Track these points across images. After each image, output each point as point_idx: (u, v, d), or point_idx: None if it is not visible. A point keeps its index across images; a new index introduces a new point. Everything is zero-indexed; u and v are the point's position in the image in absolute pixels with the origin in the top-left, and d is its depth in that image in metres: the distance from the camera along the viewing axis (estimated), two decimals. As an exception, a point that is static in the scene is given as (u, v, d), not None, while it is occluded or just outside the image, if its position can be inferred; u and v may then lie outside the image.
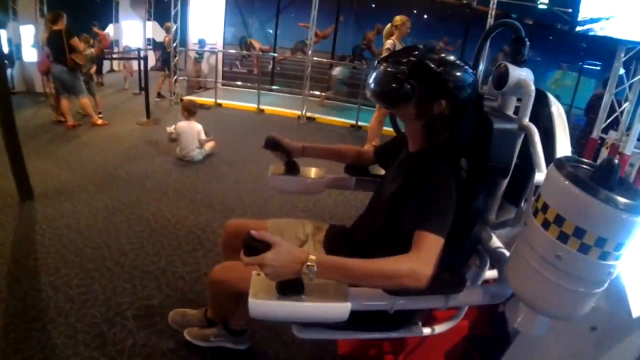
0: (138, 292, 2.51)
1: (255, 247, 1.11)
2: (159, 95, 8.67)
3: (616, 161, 1.04)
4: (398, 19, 5.15)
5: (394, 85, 1.35)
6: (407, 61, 1.35)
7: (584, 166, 1.12)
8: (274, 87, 10.15)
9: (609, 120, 4.34)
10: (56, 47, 5.74)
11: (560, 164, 1.07)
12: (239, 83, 10.17)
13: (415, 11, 11.85)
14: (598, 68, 11.13)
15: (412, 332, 1.59)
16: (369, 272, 1.17)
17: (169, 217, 3.49)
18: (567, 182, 1.01)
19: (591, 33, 4.07)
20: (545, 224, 1.06)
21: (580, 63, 12.21)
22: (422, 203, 1.29)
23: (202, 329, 2.12)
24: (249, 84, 9.88)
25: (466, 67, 1.37)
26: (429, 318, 1.81)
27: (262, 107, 8.21)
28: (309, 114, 7.92)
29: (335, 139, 6.78)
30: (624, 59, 4.17)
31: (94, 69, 6.27)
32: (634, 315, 1.75)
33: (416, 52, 1.36)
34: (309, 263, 1.10)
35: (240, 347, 2.12)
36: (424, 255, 1.20)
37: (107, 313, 2.31)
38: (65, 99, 5.99)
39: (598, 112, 4.59)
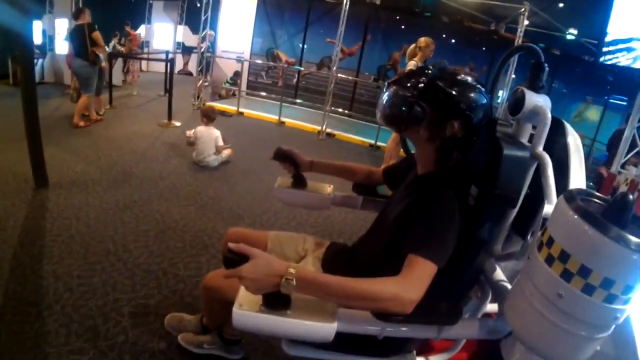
0: (137, 290, 2.51)
1: (234, 260, 1.10)
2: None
3: (631, 197, 0.98)
4: (422, 40, 5.13)
5: (403, 108, 1.32)
6: (417, 83, 1.32)
7: (596, 200, 1.06)
8: (297, 100, 10.19)
9: (629, 156, 4.23)
10: (78, 40, 5.77)
11: (570, 197, 1.01)
12: (262, 93, 10.21)
13: (443, 35, 11.87)
14: (624, 103, 10.97)
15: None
16: (351, 292, 1.12)
17: (177, 220, 3.49)
18: (575, 217, 0.95)
19: (613, 62, 3.99)
20: (549, 260, 1.00)
21: (606, 97, 12.04)
22: (420, 227, 1.25)
23: (196, 335, 2.10)
24: (272, 95, 9.91)
25: (479, 87, 1.33)
26: (425, 347, 1.74)
27: (283, 119, 8.22)
28: (329, 130, 7.89)
29: (353, 157, 6.74)
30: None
31: (104, 64, 6.28)
32: (643, 365, 1.67)
33: (427, 73, 1.33)
34: (287, 277, 1.07)
35: (233, 357, 2.10)
36: (412, 280, 1.14)
37: (104, 307, 2.32)
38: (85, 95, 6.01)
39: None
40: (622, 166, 4.32)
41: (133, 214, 3.45)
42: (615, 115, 11.30)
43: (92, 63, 5.80)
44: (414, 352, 1.55)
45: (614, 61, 3.97)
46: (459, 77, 1.34)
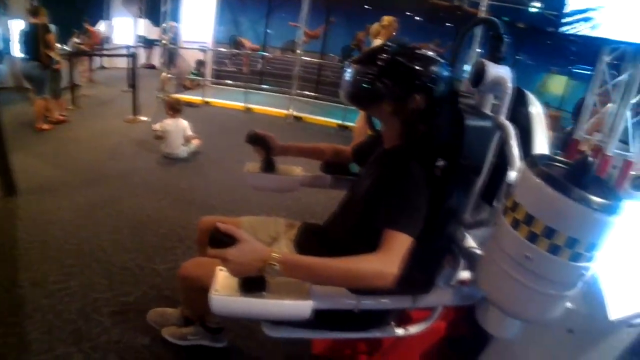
0: (115, 289, 2.48)
1: (221, 240, 1.10)
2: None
3: (591, 159, 1.02)
4: (386, 19, 5.15)
5: (365, 85, 1.33)
6: (378, 60, 1.33)
7: (559, 164, 1.10)
8: (263, 86, 10.09)
9: (591, 121, 4.35)
10: (30, 41, 5.49)
11: (532, 162, 1.04)
12: (228, 82, 10.09)
13: (407, 13, 11.85)
14: (588, 72, 11.21)
15: (385, 332, 1.55)
16: (334, 272, 1.14)
17: (150, 214, 3.46)
18: (538, 180, 0.99)
19: (573, 31, 4.08)
20: (515, 223, 1.03)
21: (570, 67, 12.29)
22: (392, 201, 1.27)
23: (179, 327, 2.09)
24: (238, 83, 9.80)
25: (439, 60, 1.35)
26: (404, 318, 1.78)
27: (249, 106, 8.18)
28: (296, 114, 7.90)
29: (321, 138, 6.73)
30: (608, 60, 4.19)
31: (60, 65, 6.05)
32: (611, 318, 1.73)
33: (387, 50, 1.35)
34: (271, 262, 1.08)
35: (218, 344, 2.10)
36: (392, 254, 1.17)
37: (84, 309, 2.29)
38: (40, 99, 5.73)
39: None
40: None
41: (106, 213, 3.39)
42: (580, 85, 11.54)
43: (44, 65, 5.58)
44: (393, 323, 1.58)
45: (573, 31, 4.04)
46: (418, 52, 1.36)
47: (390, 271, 1.14)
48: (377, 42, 5.06)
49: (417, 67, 1.31)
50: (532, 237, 0.99)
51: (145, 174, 4.37)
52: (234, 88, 9.66)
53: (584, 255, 0.99)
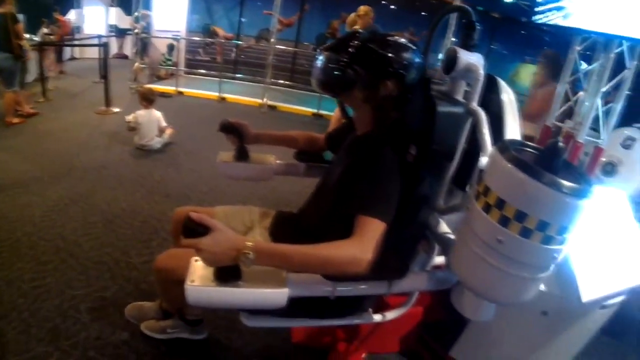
0: (92, 284, 2.45)
1: (194, 229, 1.09)
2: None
3: (561, 144, 1.03)
4: (362, 9, 5.16)
5: (336, 72, 1.34)
6: (348, 47, 1.34)
7: (529, 149, 1.11)
8: (237, 75, 9.98)
9: (562, 109, 4.43)
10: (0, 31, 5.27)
11: (503, 147, 1.05)
12: (201, 71, 9.95)
13: (382, 1, 11.88)
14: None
15: (363, 318, 1.57)
16: (309, 259, 1.15)
17: (125, 207, 3.42)
18: (509, 165, 1.00)
19: (544, 20, 4.13)
20: (486, 208, 1.05)
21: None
22: (365, 188, 1.27)
23: (158, 321, 2.09)
24: (212, 72, 9.64)
25: (410, 47, 1.36)
26: (381, 305, 1.80)
27: (224, 95, 8.07)
28: (270, 103, 7.86)
29: (297, 127, 6.60)
30: (579, 49, 4.27)
31: (28, 57, 5.85)
32: (584, 300, 1.78)
33: (358, 37, 1.35)
34: (245, 250, 1.08)
35: (198, 336, 2.11)
36: (366, 240, 1.18)
37: (61, 306, 2.26)
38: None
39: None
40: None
41: (79, 208, 3.33)
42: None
43: (17, 56, 5.42)
44: (370, 310, 1.60)
45: (545, 20, 4.11)
46: (389, 39, 1.36)
47: (364, 257, 1.15)
48: None
49: (388, 54, 1.32)
50: (504, 221, 1.01)
51: (118, 167, 4.30)
52: (208, 78, 9.51)
53: (555, 238, 1.00)
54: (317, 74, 1.38)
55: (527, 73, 11.74)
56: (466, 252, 1.13)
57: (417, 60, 1.36)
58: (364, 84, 1.35)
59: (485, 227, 1.05)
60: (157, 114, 4.94)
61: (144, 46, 8.96)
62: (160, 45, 9.52)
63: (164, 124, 5.00)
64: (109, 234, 2.99)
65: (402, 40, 1.38)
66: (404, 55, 1.34)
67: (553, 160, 1.01)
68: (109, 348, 2.04)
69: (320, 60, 1.37)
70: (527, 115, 4.00)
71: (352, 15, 5.29)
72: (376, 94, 1.36)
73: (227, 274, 1.12)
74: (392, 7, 12.83)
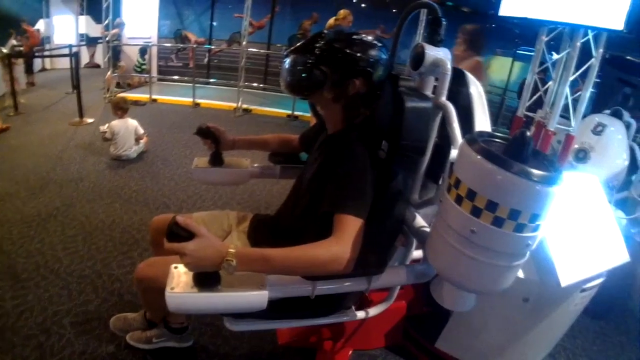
0: (74, 299, 2.42)
1: (178, 233, 1.09)
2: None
3: (529, 133, 1.05)
4: (341, 13, 5.27)
5: (304, 74, 1.35)
6: (314, 48, 1.35)
7: (498, 140, 1.13)
8: (210, 80, 9.89)
9: (533, 99, 4.52)
10: None
11: (471, 139, 1.07)
12: (174, 77, 9.84)
13: (354, 0, 11.92)
14: (532, 54, 11.50)
15: (346, 316, 1.59)
16: (290, 261, 1.15)
17: (104, 219, 3.37)
18: (478, 157, 1.01)
19: (511, 14, 4.20)
20: (458, 199, 1.06)
21: (514, 49, 12.62)
22: (339, 186, 1.28)
23: (143, 331, 2.07)
24: (185, 78, 9.53)
25: (376, 44, 1.38)
26: (364, 302, 1.82)
27: (197, 101, 7.99)
28: (245, 106, 7.82)
29: (272, 130, 6.71)
30: (546, 40, 4.37)
31: None
32: (563, 284, 1.82)
33: (323, 37, 1.37)
34: (228, 257, 1.08)
35: (184, 344, 2.10)
36: (345, 239, 1.19)
37: (44, 323, 2.23)
38: None
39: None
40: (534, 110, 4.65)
41: (57, 222, 3.28)
42: (525, 65, 11.86)
43: None
44: (353, 307, 1.61)
45: (511, 14, 4.17)
46: (354, 37, 1.38)
47: (344, 255, 1.16)
48: None
49: (355, 53, 1.34)
50: (476, 212, 1.02)
51: (95, 178, 4.24)
52: (181, 83, 9.42)
53: (527, 226, 1.02)
54: (285, 77, 1.40)
55: (499, 65, 11.92)
56: (441, 244, 1.15)
57: (383, 57, 1.38)
58: (332, 84, 1.36)
59: (458, 218, 1.07)
60: (132, 123, 4.86)
61: (116, 54, 8.84)
62: (131, 53, 9.41)
63: (141, 131, 4.94)
64: (89, 247, 2.95)
65: (368, 38, 1.40)
66: (370, 53, 1.35)
67: (521, 149, 1.02)
68: (96, 362, 2.02)
69: (287, 63, 1.38)
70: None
71: (332, 20, 5.36)
72: (345, 92, 1.37)
73: (206, 279, 1.12)
74: (363, 5, 12.89)
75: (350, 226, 1.21)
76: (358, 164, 1.30)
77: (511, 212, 0.99)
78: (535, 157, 1.07)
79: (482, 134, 1.13)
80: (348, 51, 1.34)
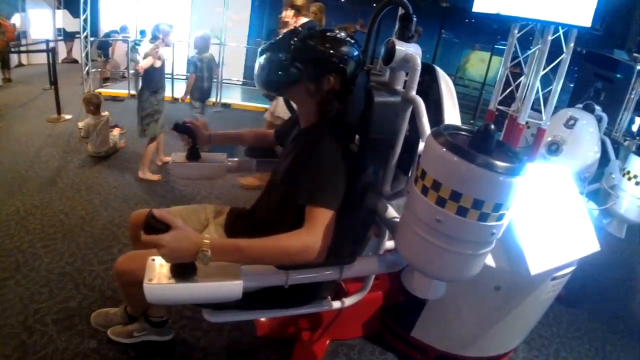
0: (55, 296, 2.42)
1: (155, 226, 1.11)
2: None
3: (492, 126, 1.09)
4: (313, 7, 5.17)
5: (279, 72, 1.38)
6: (289, 45, 1.38)
7: (463, 133, 1.17)
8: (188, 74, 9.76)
9: (505, 94, 4.61)
10: None
11: (437, 133, 1.11)
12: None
13: (332, -7, 11.87)
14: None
15: (322, 306, 1.63)
16: (263, 251, 1.19)
17: (83, 216, 3.36)
18: (442, 149, 1.05)
19: (485, 10, 4.27)
20: (424, 190, 1.10)
21: (493, 43, 12.77)
22: (311, 178, 1.32)
23: (124, 325, 2.09)
24: (165, 72, 9.42)
25: (349, 40, 1.41)
26: (340, 292, 1.85)
27: (176, 96, 7.87)
28: (224, 101, 7.83)
29: (251, 124, 6.61)
30: (518, 35, 4.45)
31: None
32: (532, 273, 1.87)
33: (297, 34, 1.39)
34: (203, 248, 1.11)
35: (165, 337, 2.13)
36: (316, 229, 1.23)
37: (26, 321, 2.23)
38: None
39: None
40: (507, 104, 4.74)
41: (37, 219, 3.26)
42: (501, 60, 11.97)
43: None
44: (329, 297, 1.65)
45: (484, 10, 4.24)
46: (328, 34, 1.41)
47: (315, 245, 1.20)
48: None
49: (328, 49, 1.37)
50: (441, 202, 1.06)
51: (73, 175, 4.21)
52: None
53: (491, 215, 1.06)
54: (259, 74, 1.43)
55: (478, 60, 12.07)
56: (410, 233, 1.18)
57: (356, 53, 1.41)
58: (307, 81, 1.39)
59: (424, 208, 1.10)
60: (105, 118, 4.81)
61: (105, 50, 8.73)
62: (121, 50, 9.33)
63: (113, 123, 4.92)
64: (69, 244, 2.95)
65: (341, 34, 1.43)
66: (343, 50, 1.39)
67: (485, 141, 1.06)
68: (78, 358, 2.04)
69: (262, 61, 1.41)
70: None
71: (289, 11, 5.29)
72: (320, 89, 1.40)
73: (183, 270, 1.15)
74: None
75: (321, 217, 1.25)
76: (330, 157, 1.34)
77: (475, 201, 1.03)
78: (500, 149, 1.11)
79: (448, 127, 1.16)
80: (322, 48, 1.37)
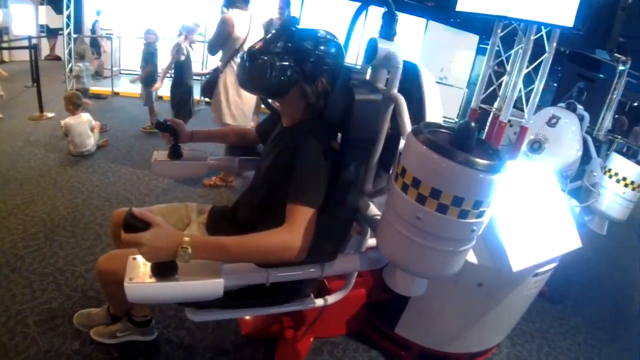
0: (38, 297, 2.39)
1: (135, 225, 1.10)
2: None
3: (473, 124, 1.10)
4: None
5: (280, 77, 1.35)
6: (284, 48, 1.36)
7: (443, 131, 1.18)
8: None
9: (487, 93, 4.66)
10: None
11: (417, 130, 1.11)
12: (136, 69, 9.61)
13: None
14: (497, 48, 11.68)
15: (305, 304, 1.63)
16: (244, 249, 1.19)
17: (65, 215, 3.32)
18: (422, 147, 1.06)
19: (468, 10, 4.30)
20: (404, 187, 1.10)
21: (478, 43, 12.83)
22: (293, 176, 1.32)
23: (108, 326, 2.07)
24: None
25: (336, 40, 1.41)
26: (323, 290, 1.86)
27: (160, 93, 7.84)
28: (207, 99, 7.70)
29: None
30: (501, 34, 4.50)
31: None
32: (514, 269, 1.89)
33: (289, 35, 1.37)
34: (183, 245, 1.10)
35: (148, 337, 2.12)
36: (296, 227, 1.23)
37: (8, 323, 2.19)
38: None
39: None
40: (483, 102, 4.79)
41: (18, 220, 3.20)
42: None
43: None
44: (312, 295, 1.65)
45: (467, 9, 4.27)
46: (319, 34, 1.41)
47: (295, 244, 1.21)
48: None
49: (323, 51, 1.38)
50: (421, 199, 1.07)
51: (56, 174, 4.15)
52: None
53: (471, 212, 1.07)
54: (256, 80, 1.39)
55: (463, 59, 12.10)
56: (390, 230, 1.19)
57: (340, 50, 1.42)
58: (305, 82, 1.38)
59: (405, 205, 1.11)
60: (86, 117, 4.76)
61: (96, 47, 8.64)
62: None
63: (93, 122, 4.84)
64: (51, 244, 2.91)
65: (329, 34, 1.42)
66: (333, 51, 1.39)
67: (465, 139, 1.07)
68: (60, 359, 2.01)
69: (256, 65, 1.36)
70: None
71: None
72: (316, 90, 1.40)
73: (164, 269, 1.14)
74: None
75: (302, 215, 1.25)
76: (312, 156, 1.34)
77: (454, 198, 1.04)
78: (481, 147, 1.12)
79: (428, 124, 1.17)
80: (317, 50, 1.37)
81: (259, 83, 1.39)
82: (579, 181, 3.61)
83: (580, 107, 3.83)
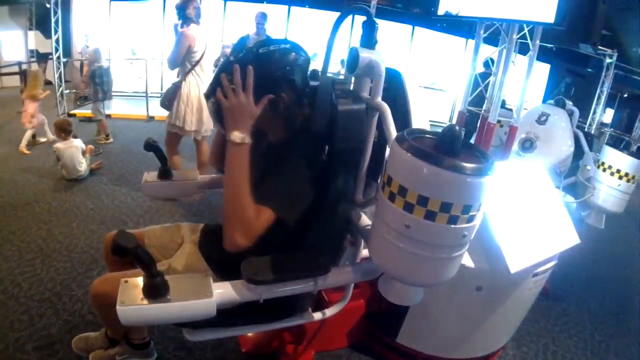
0: (36, 323, 2.38)
1: (123, 247, 1.11)
2: None
3: (457, 128, 1.08)
4: None
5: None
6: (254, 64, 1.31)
7: (428, 136, 1.16)
8: (163, 91, 9.67)
9: (473, 95, 4.67)
10: None
11: (401, 138, 1.10)
12: (128, 91, 9.64)
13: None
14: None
15: (303, 318, 1.62)
16: (231, 188, 1.28)
17: (61, 240, 3.31)
18: (406, 154, 1.04)
19: (448, 10, 4.33)
20: (391, 196, 1.09)
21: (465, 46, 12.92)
22: (272, 184, 1.35)
23: (106, 349, 2.05)
24: (139, 91, 9.27)
25: (289, 49, 1.38)
26: (321, 303, 1.84)
27: (152, 114, 7.86)
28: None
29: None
30: (485, 35, 4.52)
31: None
32: (512, 271, 1.88)
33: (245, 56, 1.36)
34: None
35: (149, 359, 2.09)
36: (254, 226, 1.26)
37: (6, 350, 2.18)
38: None
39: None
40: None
41: (14, 246, 3.20)
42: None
43: None
44: (310, 309, 1.64)
45: (449, 10, 4.30)
46: (272, 47, 1.37)
47: (248, 235, 1.25)
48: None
49: (274, 70, 1.35)
50: (408, 207, 1.05)
51: (51, 199, 4.14)
52: (135, 97, 9.19)
53: (461, 217, 1.04)
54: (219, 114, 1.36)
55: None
56: (381, 240, 1.18)
57: (301, 57, 1.39)
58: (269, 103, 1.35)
59: (393, 214, 1.09)
60: (77, 143, 4.75)
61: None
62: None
63: (84, 147, 4.83)
64: (47, 269, 2.91)
65: (279, 47, 1.38)
66: (287, 61, 1.36)
67: (451, 143, 1.05)
68: (60, 385, 1.99)
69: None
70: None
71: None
72: (280, 106, 1.38)
73: (155, 290, 1.14)
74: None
75: (265, 217, 1.28)
76: (295, 168, 1.34)
77: (442, 204, 1.02)
78: (468, 150, 1.11)
79: (412, 131, 1.15)
80: (274, 65, 1.34)
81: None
82: (573, 177, 3.60)
83: (569, 102, 3.82)
